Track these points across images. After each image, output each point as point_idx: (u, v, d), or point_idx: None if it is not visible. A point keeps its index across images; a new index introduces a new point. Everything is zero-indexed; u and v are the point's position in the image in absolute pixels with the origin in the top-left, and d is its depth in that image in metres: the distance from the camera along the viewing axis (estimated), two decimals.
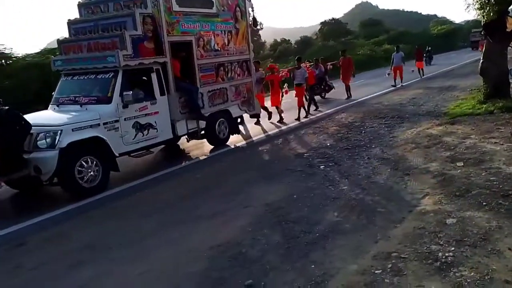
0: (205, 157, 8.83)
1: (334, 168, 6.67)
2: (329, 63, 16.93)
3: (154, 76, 8.03)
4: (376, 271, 3.51)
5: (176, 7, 8.27)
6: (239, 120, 10.40)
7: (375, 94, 15.92)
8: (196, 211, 5.40)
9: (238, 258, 3.96)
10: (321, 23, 55.89)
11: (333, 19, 55.25)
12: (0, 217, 6.05)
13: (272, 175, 6.73)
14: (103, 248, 4.61)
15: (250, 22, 10.51)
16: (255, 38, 53.93)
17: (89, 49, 7.72)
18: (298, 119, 11.91)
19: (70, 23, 8.39)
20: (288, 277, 3.58)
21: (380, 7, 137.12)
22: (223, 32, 9.62)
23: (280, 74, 12.76)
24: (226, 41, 9.69)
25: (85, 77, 7.72)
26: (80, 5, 8.64)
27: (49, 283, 4.04)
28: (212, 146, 9.48)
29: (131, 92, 7.28)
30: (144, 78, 7.96)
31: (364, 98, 15.01)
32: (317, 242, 4.16)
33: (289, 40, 52.78)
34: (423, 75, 19.85)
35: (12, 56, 17.50)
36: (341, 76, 16.03)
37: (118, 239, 4.80)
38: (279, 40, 53.40)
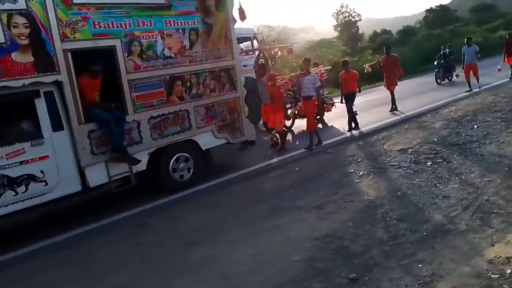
0: (303, 150, 8.30)
1: (443, 165, 6.16)
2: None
3: (40, 103, 5.37)
4: (493, 276, 3.27)
5: None
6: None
7: (490, 85, 13.31)
8: (298, 201, 5.41)
9: (341, 252, 3.91)
10: (426, 10, 49.69)
11: (440, 5, 48.57)
12: (124, 201, 6.41)
13: (374, 170, 6.37)
14: (216, 230, 4.86)
15: (234, 15, 7.32)
16: (353, 30, 49.66)
17: None
18: (309, 148, 8.36)
19: None
20: (394, 274, 3.47)
21: None
22: (180, 31, 6.60)
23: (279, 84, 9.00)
24: (186, 44, 6.69)
25: None
26: None
27: (168, 259, 4.34)
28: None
29: None
30: (19, 107, 5.31)
31: (477, 90, 12.64)
32: (425, 241, 3.97)
33: (389, 30, 47.71)
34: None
35: None
36: (384, 80, 11.79)
37: (230, 223, 5.06)
38: (378, 31, 48.59)
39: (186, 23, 6.69)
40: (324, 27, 49.14)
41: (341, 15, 50.74)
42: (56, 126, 5.50)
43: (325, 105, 10.69)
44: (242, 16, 7.41)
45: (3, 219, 5.28)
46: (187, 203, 6.17)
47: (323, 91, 11.28)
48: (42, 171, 5.38)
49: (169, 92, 6.54)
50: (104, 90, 6.11)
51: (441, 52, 17.05)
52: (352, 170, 6.51)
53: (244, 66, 10.02)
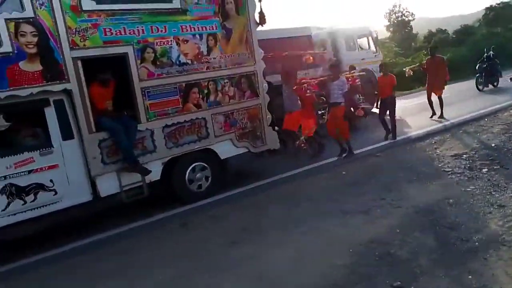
0: (336, 159, 7.98)
1: (500, 172, 5.86)
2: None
3: (50, 112, 5.34)
4: None
5: (89, 5, 5.44)
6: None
7: None
8: (344, 205, 5.30)
9: (386, 258, 3.80)
10: (486, 8, 46.84)
11: (501, 3, 45.56)
12: (169, 200, 6.55)
13: (426, 175, 6.13)
14: (258, 231, 4.88)
15: (255, 18, 7.03)
16: (406, 30, 47.78)
17: None
18: (340, 154, 7.88)
19: None
20: (441, 283, 3.35)
21: None
22: (197, 36, 6.40)
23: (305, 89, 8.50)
24: (204, 49, 6.47)
25: None
26: None
27: (210, 257, 4.40)
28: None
29: None
30: (29, 116, 5.31)
31: None
32: (476, 252, 3.79)
33: (445, 29, 45.44)
34: None
35: None
36: (427, 84, 10.91)
37: (272, 224, 5.05)
38: (434, 30, 46.47)
39: (204, 28, 6.47)
40: (377, 28, 47.67)
41: (394, 15, 49.00)
42: (66, 135, 5.45)
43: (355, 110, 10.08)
44: (262, 20, 7.08)
45: (14, 227, 5.26)
46: (229, 204, 6.23)
47: (359, 97, 10.72)
48: (51, 180, 5.35)
49: (185, 100, 6.34)
50: (118, 98, 5.99)
51: (484, 55, 15.38)
52: (402, 175, 6.27)
53: (363, 59, 13.05)
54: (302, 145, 8.42)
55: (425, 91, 11.14)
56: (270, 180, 7.13)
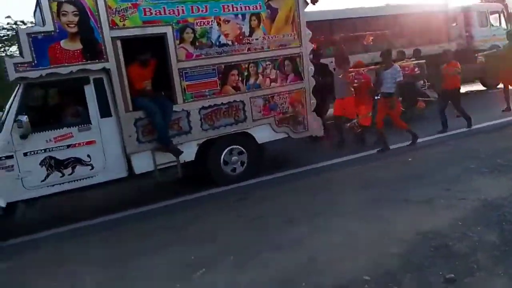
0: (420, 140, 7.63)
1: None
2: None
3: (90, 90, 5.54)
4: None
5: None
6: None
7: None
8: (406, 194, 5.10)
9: (442, 250, 3.67)
10: None
11: None
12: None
13: (499, 168, 5.67)
14: (315, 213, 4.83)
15: None
16: None
17: None
18: (412, 142, 7.49)
19: None
20: (499, 281, 3.16)
21: None
22: (239, 16, 6.26)
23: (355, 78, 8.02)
24: (246, 30, 6.33)
25: None
26: None
27: (264, 233, 4.48)
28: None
29: (25, 117, 5.01)
30: (70, 93, 5.54)
31: None
32: None
33: None
34: None
35: None
36: (500, 74, 9.82)
37: (330, 208, 4.96)
38: None
39: (247, 8, 6.30)
40: None
41: None
42: (104, 112, 5.62)
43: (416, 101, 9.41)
44: None
45: (51, 197, 5.58)
46: (282, 185, 6.17)
47: (424, 83, 9.99)
48: (88, 155, 5.57)
49: (224, 82, 6.27)
50: (158, 78, 6.06)
51: None
52: (473, 166, 5.84)
53: (493, 35, 13.93)
54: (355, 128, 8.04)
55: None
56: (330, 162, 7.03)
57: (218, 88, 6.24)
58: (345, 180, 6.11)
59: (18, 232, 5.47)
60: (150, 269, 3.99)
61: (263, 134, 6.70)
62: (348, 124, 8.16)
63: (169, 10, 5.76)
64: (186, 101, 6.03)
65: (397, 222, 4.36)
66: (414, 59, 9.87)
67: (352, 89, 8.05)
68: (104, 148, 5.66)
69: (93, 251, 4.62)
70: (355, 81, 7.80)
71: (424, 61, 9.94)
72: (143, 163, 5.89)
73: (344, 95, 8.17)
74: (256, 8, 6.36)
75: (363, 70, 8.07)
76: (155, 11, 5.68)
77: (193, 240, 4.53)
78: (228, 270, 3.77)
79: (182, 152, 5.98)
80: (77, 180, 5.58)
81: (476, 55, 11.32)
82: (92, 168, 5.61)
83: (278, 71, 6.67)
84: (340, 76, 8.09)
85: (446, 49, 8.74)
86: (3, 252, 4.98)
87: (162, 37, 5.79)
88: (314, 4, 6.80)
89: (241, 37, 6.30)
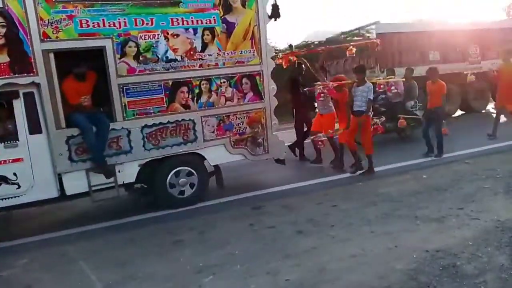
0: (435, 158, 7.67)
1: None
2: None
3: (18, 105, 5.24)
4: None
5: None
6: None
7: None
8: (419, 210, 5.13)
9: (450, 269, 3.64)
10: None
11: None
12: (245, 183, 7.08)
13: None
14: (325, 225, 4.92)
15: (267, 12, 6.26)
16: None
17: None
18: (352, 166, 7.06)
19: None
20: None
21: None
22: (190, 30, 5.85)
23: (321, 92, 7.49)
24: (197, 45, 5.91)
25: None
26: None
27: (276, 242, 4.56)
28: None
29: None
30: None
31: None
32: None
33: None
34: None
35: None
36: (497, 95, 9.00)
37: (340, 220, 5.02)
38: None
39: (199, 22, 5.89)
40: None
41: None
42: (34, 129, 5.30)
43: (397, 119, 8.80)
44: (276, 13, 6.26)
45: None
46: (304, 195, 6.25)
47: (415, 103, 9.34)
48: (15, 174, 5.25)
49: (171, 99, 5.87)
50: (103, 93, 5.70)
51: None
52: (487, 186, 5.80)
53: None
54: (320, 143, 7.54)
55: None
56: (343, 176, 7.08)
57: (165, 105, 5.83)
58: (362, 193, 6.10)
59: None
60: (160, 272, 4.09)
61: (216, 155, 6.26)
62: (312, 137, 7.67)
63: (109, 23, 5.41)
64: (126, 118, 5.64)
65: (406, 238, 4.34)
66: (404, 78, 9.22)
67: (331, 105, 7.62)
68: (32, 166, 5.33)
69: (109, 252, 4.77)
70: (321, 95, 7.27)
71: (414, 82, 9.32)
72: (76, 183, 5.54)
73: (323, 112, 7.72)
74: (210, 22, 5.94)
75: (332, 84, 7.50)
76: (93, 23, 5.33)
77: (205, 246, 4.65)
78: (236, 276, 3.87)
79: (114, 174, 5.58)
80: (1, 200, 5.25)
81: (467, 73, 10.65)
82: (19, 187, 5.28)
83: (234, 90, 6.22)
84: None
85: (432, 67, 8.08)
86: None
87: (100, 51, 5.42)
88: (275, 19, 6.30)
89: (192, 52, 5.89)
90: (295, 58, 8.08)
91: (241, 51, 6.18)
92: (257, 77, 6.34)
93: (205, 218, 5.59)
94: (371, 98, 6.78)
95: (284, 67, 7.96)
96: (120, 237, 5.18)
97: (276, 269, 3.90)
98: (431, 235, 4.41)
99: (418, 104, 9.20)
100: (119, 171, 5.74)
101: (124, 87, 5.58)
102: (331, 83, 7.59)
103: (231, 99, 6.21)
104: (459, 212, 4.98)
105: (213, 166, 6.42)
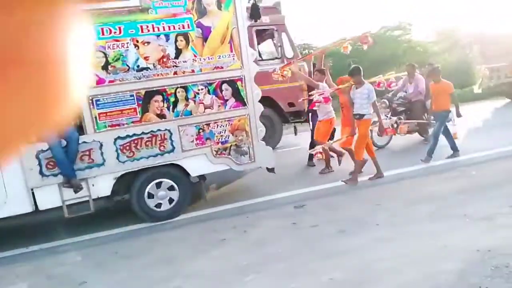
0: (485, 153, 7.34)
1: None
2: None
3: None
4: None
5: None
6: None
7: None
8: (465, 208, 4.99)
9: (503, 270, 3.51)
10: None
11: None
12: (285, 183, 7.02)
13: None
14: (369, 224, 4.84)
15: (246, 14, 5.91)
16: None
17: None
18: (351, 179, 6.52)
19: None
20: None
21: None
22: (162, 37, 5.63)
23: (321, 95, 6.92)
24: (171, 52, 5.67)
25: None
26: None
27: (318, 242, 4.51)
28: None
29: None
30: None
31: None
32: None
33: None
34: None
35: None
36: None
37: (384, 219, 4.95)
38: None
39: (171, 27, 5.63)
40: None
41: None
42: None
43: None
44: (255, 14, 5.88)
45: None
46: (346, 194, 6.24)
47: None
48: None
49: (145, 109, 5.65)
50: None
51: None
52: None
53: None
54: (320, 154, 7.06)
55: None
56: (388, 173, 6.83)
57: (138, 116, 5.62)
58: (408, 192, 5.99)
59: None
60: (205, 270, 4.18)
61: (197, 165, 5.96)
62: (310, 151, 7.18)
63: None
64: (98, 130, 5.49)
65: (455, 237, 4.22)
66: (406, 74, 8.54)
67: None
68: (4, 181, 5.30)
69: (156, 250, 4.94)
70: (316, 104, 6.77)
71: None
72: (48, 198, 5.46)
73: (320, 118, 7.26)
74: (183, 28, 5.67)
75: (329, 90, 6.97)
76: None
77: (248, 244, 4.71)
78: (280, 275, 3.87)
79: (82, 188, 5.44)
80: None
81: None
82: None
83: (214, 96, 5.90)
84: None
85: (435, 66, 7.29)
86: None
87: None
88: (255, 20, 5.92)
89: (165, 59, 5.64)
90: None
91: (219, 56, 5.85)
92: (239, 83, 5.97)
93: (248, 216, 5.63)
94: (374, 100, 6.19)
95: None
96: (166, 236, 5.38)
97: (319, 268, 3.87)
98: (481, 234, 4.23)
99: None
100: (92, 185, 5.58)
101: (94, 99, 5.43)
102: (327, 89, 7.04)
103: (210, 107, 5.89)
104: (509, 210, 4.76)
105: (197, 177, 6.10)
